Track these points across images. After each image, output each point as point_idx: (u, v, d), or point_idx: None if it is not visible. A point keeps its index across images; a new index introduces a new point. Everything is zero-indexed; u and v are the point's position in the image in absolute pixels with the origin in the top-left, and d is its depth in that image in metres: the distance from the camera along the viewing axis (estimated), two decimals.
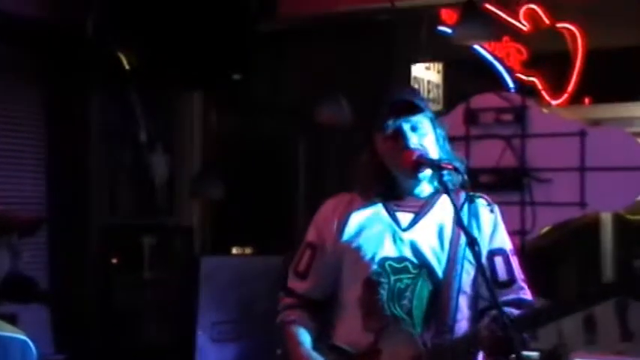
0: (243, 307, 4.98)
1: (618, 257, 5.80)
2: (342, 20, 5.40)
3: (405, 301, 2.41)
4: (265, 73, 5.65)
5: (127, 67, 4.76)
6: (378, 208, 2.52)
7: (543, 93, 5.87)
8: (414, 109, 2.45)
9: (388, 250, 2.46)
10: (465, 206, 2.43)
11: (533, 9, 5.86)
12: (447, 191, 2.35)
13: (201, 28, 4.80)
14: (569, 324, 4.40)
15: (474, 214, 2.47)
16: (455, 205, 2.34)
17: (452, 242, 2.44)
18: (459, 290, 2.42)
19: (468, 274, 2.44)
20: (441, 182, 2.37)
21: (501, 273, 2.45)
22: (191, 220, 6.02)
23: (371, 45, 5.56)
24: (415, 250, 2.45)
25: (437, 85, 6.26)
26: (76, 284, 5.20)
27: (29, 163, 5.19)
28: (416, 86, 5.79)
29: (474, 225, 2.46)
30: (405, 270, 2.44)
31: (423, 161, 2.40)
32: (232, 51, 5.06)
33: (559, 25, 5.83)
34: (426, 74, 6.14)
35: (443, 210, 2.49)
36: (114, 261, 5.48)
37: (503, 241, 2.52)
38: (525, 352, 2.20)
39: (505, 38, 5.82)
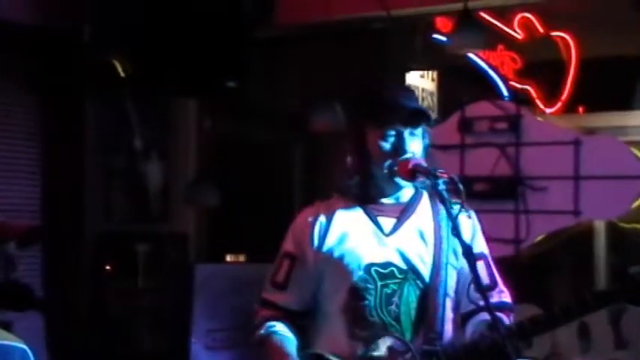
0: (238, 315, 4.96)
1: (612, 265, 5.81)
2: (338, 28, 5.41)
3: (393, 307, 2.40)
4: (261, 80, 5.65)
5: (122, 74, 4.75)
6: (359, 214, 2.50)
7: (537, 101, 5.91)
8: (422, 118, 2.44)
9: (373, 255, 2.44)
10: (443, 213, 2.41)
11: (527, 18, 5.89)
12: (442, 200, 2.33)
13: (196, 35, 4.80)
14: (564, 332, 4.40)
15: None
16: (450, 214, 2.31)
17: (435, 247, 2.45)
18: (445, 295, 2.43)
19: (451, 278, 2.45)
20: (436, 191, 2.34)
21: (484, 277, 2.45)
22: (186, 228, 6.01)
23: (366, 53, 5.57)
24: (401, 255, 2.44)
25: (431, 93, 6.28)
26: (71, 291, 5.19)
27: (24, 170, 5.18)
28: None
29: None
30: (392, 275, 2.43)
31: (420, 170, 2.38)
32: (228, 58, 5.06)
33: (553, 34, 5.87)
34: (421, 82, 6.15)
35: (422, 215, 2.50)
36: (108, 268, 5.46)
37: (483, 245, 2.53)
38: None
39: (500, 47, 5.85)
